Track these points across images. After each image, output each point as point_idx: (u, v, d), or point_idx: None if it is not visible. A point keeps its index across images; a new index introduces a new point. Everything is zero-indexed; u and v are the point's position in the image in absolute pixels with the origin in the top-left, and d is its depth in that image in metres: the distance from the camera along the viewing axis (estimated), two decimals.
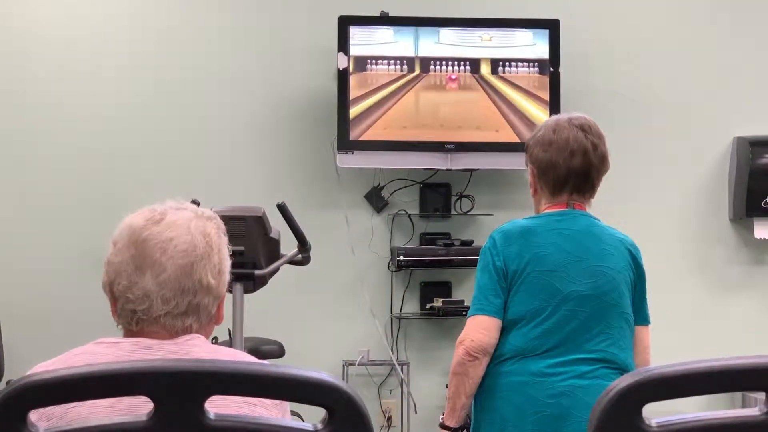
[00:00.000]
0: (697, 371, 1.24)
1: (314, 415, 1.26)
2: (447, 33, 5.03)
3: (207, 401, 1.23)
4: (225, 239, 1.83)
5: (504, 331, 2.73)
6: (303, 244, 3.80)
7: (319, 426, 1.25)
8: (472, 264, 5.04)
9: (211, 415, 1.23)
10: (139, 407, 1.43)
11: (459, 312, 5.02)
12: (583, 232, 2.76)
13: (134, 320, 1.74)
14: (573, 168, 2.76)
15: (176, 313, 1.73)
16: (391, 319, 5.13)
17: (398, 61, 4.98)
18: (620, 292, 2.74)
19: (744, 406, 4.72)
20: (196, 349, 1.72)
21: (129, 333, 1.76)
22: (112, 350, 1.69)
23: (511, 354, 2.71)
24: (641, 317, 2.82)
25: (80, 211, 4.94)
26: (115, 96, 5.02)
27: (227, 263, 1.82)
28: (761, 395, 1.27)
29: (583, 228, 2.77)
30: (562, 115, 2.86)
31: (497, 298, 2.73)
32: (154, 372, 1.24)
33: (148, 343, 1.71)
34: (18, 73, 4.99)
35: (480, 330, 2.72)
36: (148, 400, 1.23)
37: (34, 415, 1.25)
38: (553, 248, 2.73)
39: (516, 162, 5.02)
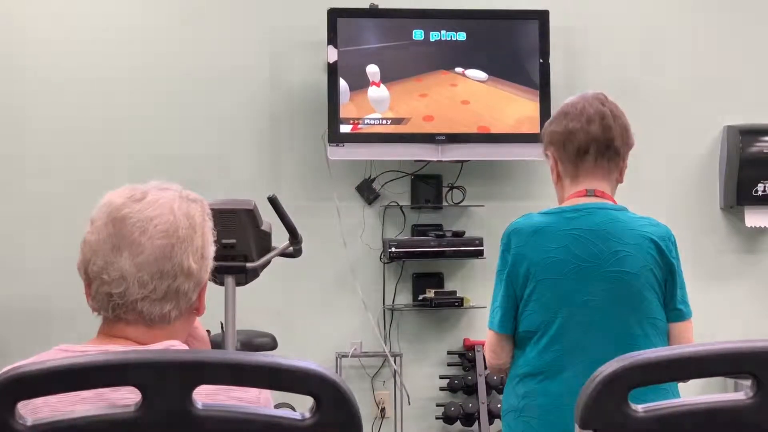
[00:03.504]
0: (682, 356, 1.25)
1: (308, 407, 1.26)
2: (437, 24, 5.03)
3: (194, 391, 1.23)
4: (210, 222, 1.74)
5: (519, 346, 2.61)
6: (294, 237, 3.79)
7: (307, 415, 1.25)
8: (464, 255, 5.11)
9: (199, 405, 1.23)
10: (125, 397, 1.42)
11: (451, 303, 5.03)
12: (597, 232, 2.55)
13: (110, 306, 1.64)
14: (592, 134, 2.58)
15: (154, 298, 1.63)
16: (384, 310, 5.13)
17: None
18: (640, 297, 2.53)
19: (736, 391, 4.72)
20: None
21: (104, 323, 1.68)
22: None
23: (529, 373, 2.56)
24: (675, 313, 2.60)
25: (78, 208, 4.90)
26: (109, 95, 5.00)
27: (211, 248, 1.73)
28: (748, 380, 1.27)
29: (597, 226, 2.56)
30: (576, 96, 2.70)
31: (508, 310, 2.60)
32: (141, 363, 1.25)
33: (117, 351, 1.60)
34: (16, 74, 4.97)
35: (489, 351, 2.65)
36: (136, 390, 1.23)
37: (22, 408, 1.24)
38: (563, 253, 2.54)
39: (506, 153, 5.04)
